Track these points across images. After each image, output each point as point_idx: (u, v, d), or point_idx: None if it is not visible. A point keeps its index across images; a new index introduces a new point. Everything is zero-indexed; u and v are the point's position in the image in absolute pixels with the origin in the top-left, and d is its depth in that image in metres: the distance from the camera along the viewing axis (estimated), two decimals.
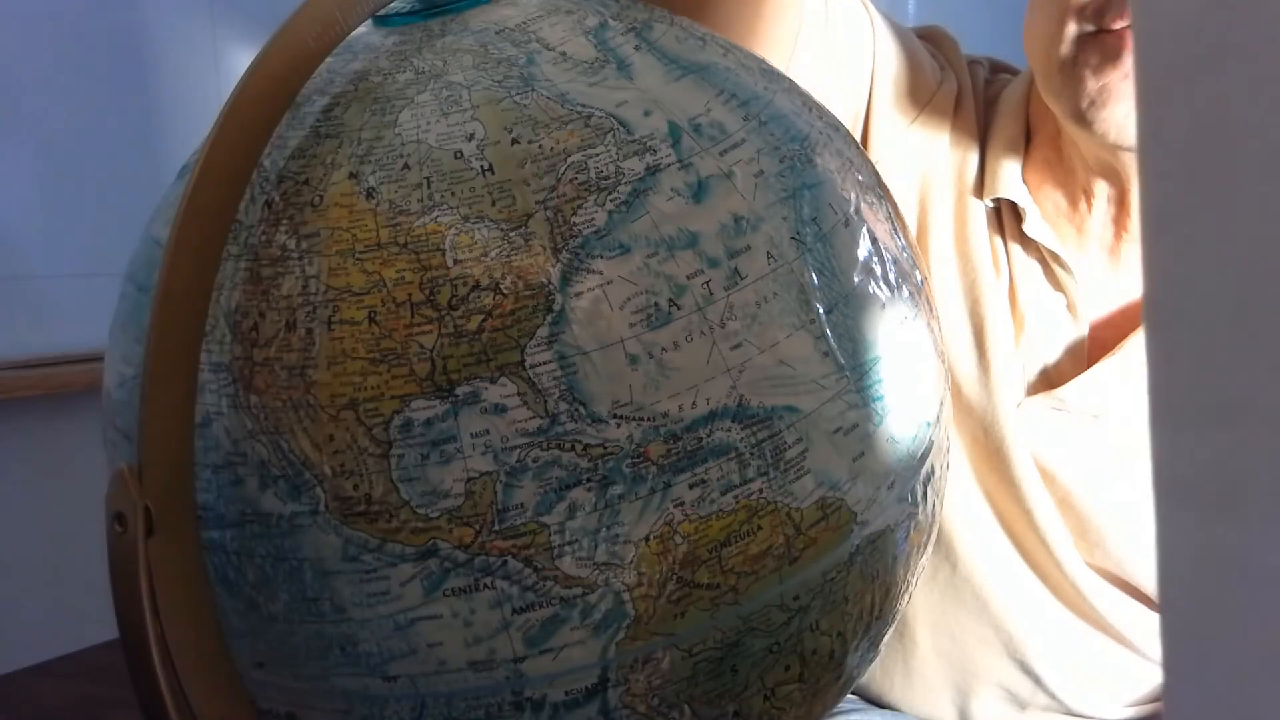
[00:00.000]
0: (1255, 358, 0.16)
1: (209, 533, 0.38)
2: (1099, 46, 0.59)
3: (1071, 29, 0.60)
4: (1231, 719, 0.17)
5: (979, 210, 0.68)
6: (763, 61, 0.47)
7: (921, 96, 0.70)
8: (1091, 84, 0.59)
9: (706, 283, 0.37)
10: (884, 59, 0.69)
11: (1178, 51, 0.17)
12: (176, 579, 0.37)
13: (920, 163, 0.70)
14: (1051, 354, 0.68)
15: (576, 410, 0.36)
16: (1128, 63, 0.58)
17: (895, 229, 0.46)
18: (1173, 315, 0.17)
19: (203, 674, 0.38)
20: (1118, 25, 0.58)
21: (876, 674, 0.75)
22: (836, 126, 0.47)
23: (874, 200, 0.45)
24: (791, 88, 0.46)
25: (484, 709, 0.38)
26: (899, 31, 0.71)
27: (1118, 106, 0.59)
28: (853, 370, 0.40)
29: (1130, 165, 0.62)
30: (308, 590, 0.37)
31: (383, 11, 0.44)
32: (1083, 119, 0.60)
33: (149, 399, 0.36)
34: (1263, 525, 0.16)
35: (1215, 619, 0.17)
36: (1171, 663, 0.18)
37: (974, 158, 0.69)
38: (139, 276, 0.43)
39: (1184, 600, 0.18)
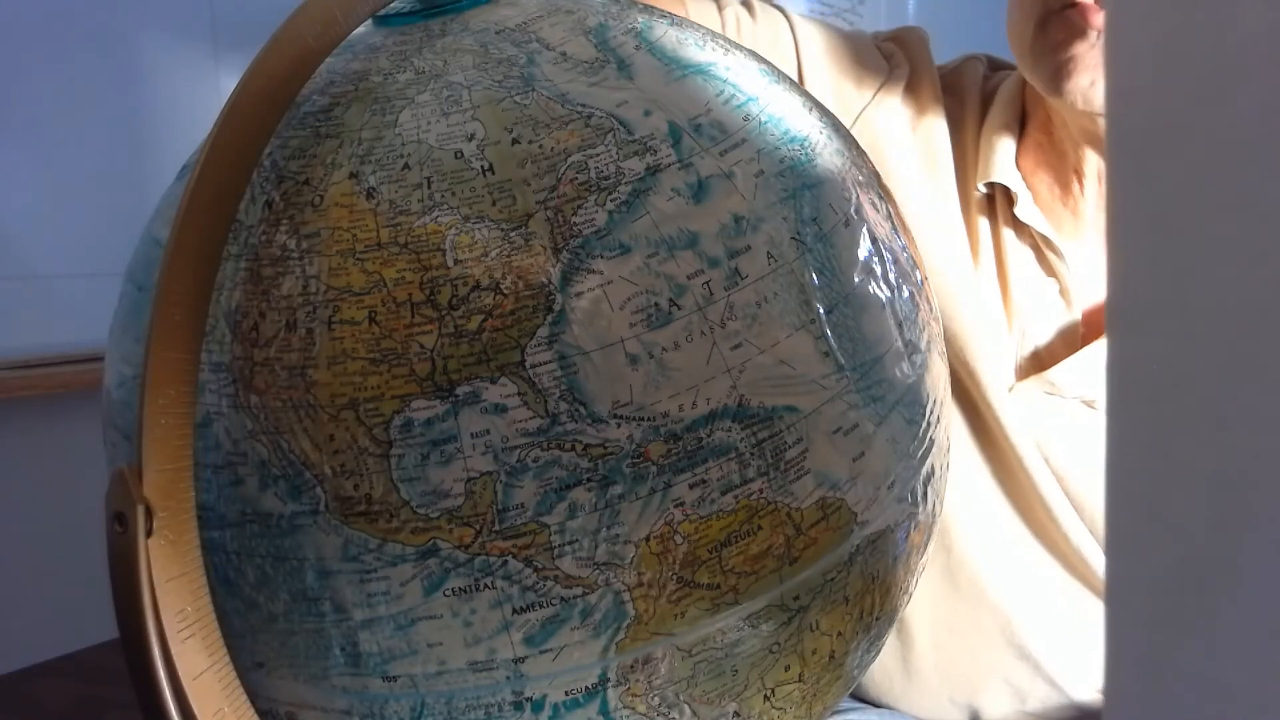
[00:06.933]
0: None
1: (209, 533, 0.38)
2: (1064, 23, 0.64)
3: (1042, 7, 0.65)
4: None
5: (951, 195, 0.72)
6: (764, 61, 0.47)
7: (863, 93, 0.74)
8: (1061, 56, 0.65)
9: (707, 283, 0.37)
10: (812, 64, 0.73)
11: (1143, 47, 0.17)
12: (177, 579, 0.37)
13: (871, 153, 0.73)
14: (1044, 339, 0.70)
15: (577, 410, 0.36)
16: (1091, 36, 0.63)
17: (895, 229, 0.46)
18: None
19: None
20: None
21: (875, 673, 0.75)
22: (837, 126, 0.47)
23: (874, 200, 0.45)
24: (792, 88, 0.46)
25: (484, 709, 0.38)
26: (830, 36, 0.75)
27: (1083, 76, 0.64)
28: (853, 370, 0.40)
29: None
30: (308, 590, 0.37)
31: (383, 11, 0.44)
32: (1054, 89, 0.66)
33: (149, 399, 0.36)
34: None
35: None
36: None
37: (944, 142, 0.73)
38: (139, 276, 0.43)
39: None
